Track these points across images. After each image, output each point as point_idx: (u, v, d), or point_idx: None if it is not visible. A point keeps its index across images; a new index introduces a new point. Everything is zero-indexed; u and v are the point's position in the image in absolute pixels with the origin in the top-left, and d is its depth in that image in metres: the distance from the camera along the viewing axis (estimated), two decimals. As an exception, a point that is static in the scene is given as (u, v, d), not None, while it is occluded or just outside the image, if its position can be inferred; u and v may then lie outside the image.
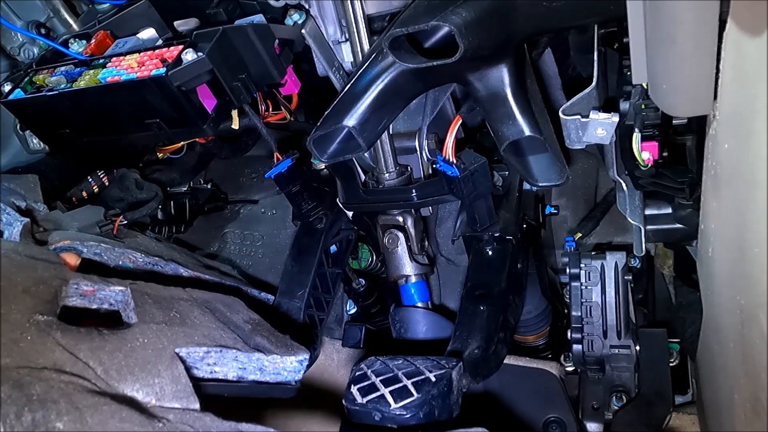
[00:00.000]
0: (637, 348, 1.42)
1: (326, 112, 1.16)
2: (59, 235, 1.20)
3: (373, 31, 1.23)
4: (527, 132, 1.13)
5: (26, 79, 1.25)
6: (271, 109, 1.44)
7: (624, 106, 1.03)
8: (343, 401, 1.08)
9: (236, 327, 1.10)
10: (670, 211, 1.27)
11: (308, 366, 1.17)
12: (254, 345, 1.08)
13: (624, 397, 1.42)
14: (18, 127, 1.43)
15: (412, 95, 1.20)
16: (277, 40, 1.20)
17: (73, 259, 1.09)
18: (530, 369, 1.49)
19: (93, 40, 1.30)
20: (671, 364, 1.46)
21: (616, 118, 1.01)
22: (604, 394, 1.44)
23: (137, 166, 1.66)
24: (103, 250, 1.21)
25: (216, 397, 0.99)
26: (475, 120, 1.37)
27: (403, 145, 1.36)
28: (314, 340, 1.44)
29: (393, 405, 1.02)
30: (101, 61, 1.22)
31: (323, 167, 1.57)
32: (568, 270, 1.40)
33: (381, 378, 1.08)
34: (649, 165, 1.06)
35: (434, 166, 1.28)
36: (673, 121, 1.04)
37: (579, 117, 1.03)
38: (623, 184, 1.18)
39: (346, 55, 1.29)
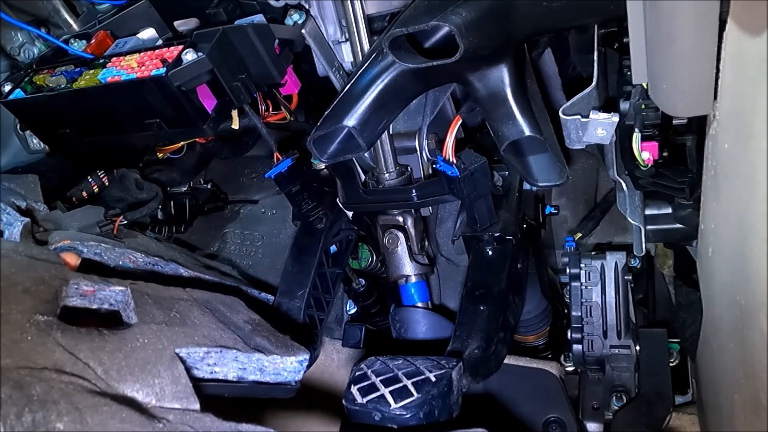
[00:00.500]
0: (637, 348, 1.42)
1: (326, 112, 1.16)
2: (59, 235, 1.20)
3: (373, 31, 1.23)
4: (527, 132, 1.13)
5: (26, 79, 1.25)
6: (271, 109, 1.44)
7: (624, 106, 1.03)
8: (343, 401, 1.08)
9: (236, 327, 1.10)
10: (670, 211, 1.26)
11: (308, 366, 1.17)
12: (254, 345, 1.08)
13: (624, 397, 1.42)
14: (18, 127, 1.43)
15: (412, 95, 1.20)
16: (277, 40, 1.20)
17: (73, 259, 1.09)
18: (530, 369, 1.49)
19: (93, 40, 1.30)
20: (671, 364, 1.46)
21: (616, 118, 1.01)
22: (604, 394, 1.44)
23: (137, 166, 1.66)
24: (104, 250, 1.21)
25: (216, 398, 0.98)
26: (475, 120, 1.37)
27: (403, 145, 1.36)
28: (314, 340, 1.44)
29: (393, 405, 1.02)
30: (101, 61, 1.22)
31: (323, 167, 1.57)
32: (568, 270, 1.40)
33: (381, 378, 1.08)
34: (649, 165, 1.06)
35: (434, 166, 1.28)
36: (673, 121, 1.04)
37: (579, 117, 1.03)
38: (623, 184, 1.18)
39: (346, 55, 1.29)
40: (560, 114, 1.04)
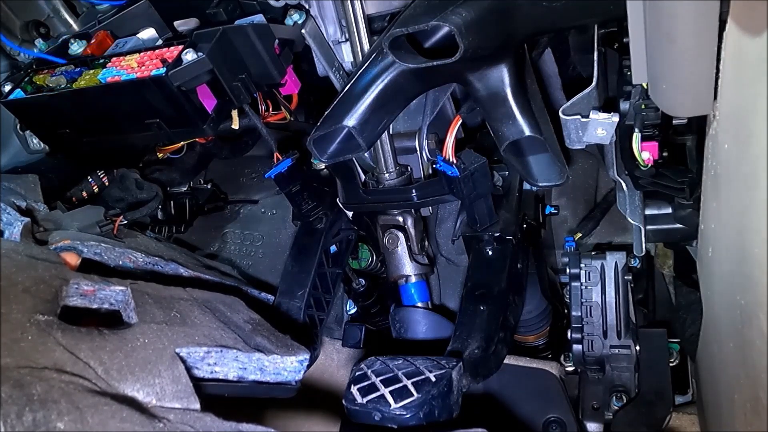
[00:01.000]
0: (637, 348, 1.42)
1: (326, 112, 1.16)
2: (59, 234, 1.20)
3: (373, 31, 1.23)
4: (527, 132, 1.13)
5: (26, 79, 1.25)
6: (271, 109, 1.44)
7: (624, 106, 1.03)
8: (343, 401, 1.08)
9: (237, 327, 1.10)
10: (670, 211, 1.26)
11: (308, 366, 1.17)
12: (255, 345, 1.08)
13: (624, 397, 1.42)
14: (18, 127, 1.43)
15: (412, 95, 1.20)
16: (277, 40, 1.20)
17: (73, 259, 1.09)
18: (530, 369, 1.49)
19: (93, 40, 1.30)
20: (671, 364, 1.46)
21: (616, 118, 1.01)
22: (604, 394, 1.44)
23: (137, 166, 1.66)
24: (104, 250, 1.21)
25: (216, 397, 0.98)
26: (475, 120, 1.37)
27: (403, 145, 1.36)
28: (314, 340, 1.44)
29: (393, 405, 1.02)
30: (101, 61, 1.22)
31: (323, 167, 1.57)
32: (568, 270, 1.40)
33: (381, 378, 1.08)
34: (649, 165, 1.06)
35: (434, 166, 1.28)
36: (673, 121, 1.04)
37: (579, 117, 1.03)
38: (623, 184, 1.18)
39: (346, 55, 1.29)
40: (560, 114, 1.04)
